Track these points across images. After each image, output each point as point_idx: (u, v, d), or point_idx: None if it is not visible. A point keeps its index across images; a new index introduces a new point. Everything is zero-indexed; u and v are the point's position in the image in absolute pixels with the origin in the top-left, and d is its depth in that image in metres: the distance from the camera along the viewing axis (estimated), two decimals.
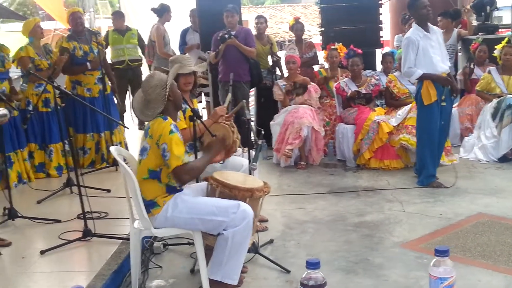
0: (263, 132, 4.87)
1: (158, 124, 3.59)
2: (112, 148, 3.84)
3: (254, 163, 4.07)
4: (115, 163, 6.80)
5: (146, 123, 3.79)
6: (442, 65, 5.87)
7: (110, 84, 7.23)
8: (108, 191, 5.84)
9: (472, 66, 8.04)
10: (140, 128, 9.03)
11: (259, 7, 30.58)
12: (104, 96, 7.00)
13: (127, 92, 9.42)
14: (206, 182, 3.82)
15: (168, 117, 3.63)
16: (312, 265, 1.65)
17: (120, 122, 6.18)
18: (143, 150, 3.65)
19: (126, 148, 6.80)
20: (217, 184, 3.76)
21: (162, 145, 3.51)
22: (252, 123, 4.54)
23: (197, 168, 3.69)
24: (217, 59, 7.38)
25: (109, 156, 7.01)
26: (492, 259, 4.10)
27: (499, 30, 9.63)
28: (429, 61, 5.81)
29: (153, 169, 3.60)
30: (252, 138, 4.48)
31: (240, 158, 4.83)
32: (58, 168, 6.69)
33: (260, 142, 4.16)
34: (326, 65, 8.20)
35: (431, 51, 5.82)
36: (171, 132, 3.53)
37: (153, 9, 9.12)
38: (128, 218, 4.81)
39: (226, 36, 7.16)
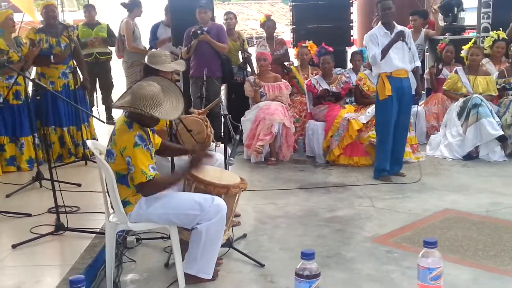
0: (241, 127, 4.90)
1: (123, 134, 3.53)
2: (89, 142, 3.82)
3: (231, 158, 4.10)
4: (84, 157, 6.75)
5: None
6: (398, 62, 6.01)
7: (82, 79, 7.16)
8: (79, 185, 5.79)
9: (440, 66, 8.20)
10: (108, 123, 8.93)
11: (226, 3, 30.49)
12: (69, 91, 6.93)
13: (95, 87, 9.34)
14: (183, 166, 3.81)
15: (134, 126, 3.55)
16: (307, 255, 1.68)
17: (96, 116, 6.10)
18: (109, 153, 3.60)
19: None
20: (192, 180, 3.78)
21: (126, 157, 3.47)
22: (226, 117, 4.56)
23: (161, 185, 3.59)
24: (189, 55, 7.37)
25: (78, 151, 6.94)
26: (460, 254, 4.22)
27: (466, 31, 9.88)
28: (387, 58, 5.96)
29: (122, 173, 3.58)
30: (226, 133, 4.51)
31: (213, 152, 4.85)
32: (29, 161, 6.58)
33: (237, 137, 4.19)
34: (296, 63, 8.27)
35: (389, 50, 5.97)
36: (135, 145, 3.46)
37: (123, 4, 9.04)
38: (100, 213, 4.85)
39: (199, 31, 7.16)
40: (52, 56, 6.82)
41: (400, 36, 5.94)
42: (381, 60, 5.95)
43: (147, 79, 3.74)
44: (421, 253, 1.78)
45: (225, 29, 8.00)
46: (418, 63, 6.32)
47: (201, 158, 3.78)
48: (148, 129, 3.69)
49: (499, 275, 3.87)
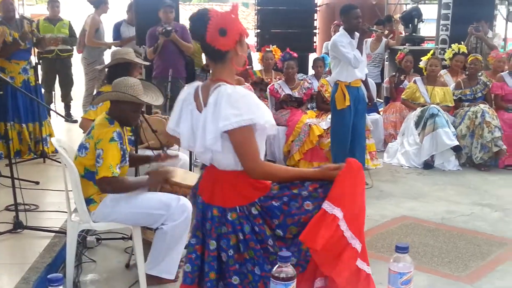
0: None
1: (102, 127, 3.53)
2: (53, 139, 3.78)
3: (197, 160, 4.11)
4: (43, 155, 6.63)
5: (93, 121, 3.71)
6: (358, 72, 6.10)
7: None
8: (37, 183, 5.68)
9: (402, 77, 8.35)
10: (67, 120, 8.79)
11: (187, 4, 30.37)
12: (30, 87, 6.79)
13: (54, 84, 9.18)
14: (148, 177, 3.81)
15: (115, 122, 3.57)
16: (284, 258, 1.72)
17: (59, 112, 5.98)
18: (81, 147, 3.58)
19: None
20: None
21: (98, 150, 3.45)
22: None
23: (123, 186, 3.54)
24: (156, 54, 7.28)
25: (37, 148, 6.82)
26: (416, 260, 4.31)
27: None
28: (349, 67, 6.03)
29: (90, 169, 3.55)
30: None
31: (177, 152, 4.84)
32: None
33: None
34: (259, 67, 8.30)
35: None
36: (111, 139, 3.46)
37: (89, 0, 8.92)
38: (59, 211, 4.79)
39: (169, 29, 7.09)
40: (20, 41, 6.65)
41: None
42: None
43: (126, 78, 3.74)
44: (392, 258, 1.84)
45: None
46: (366, 71, 6.42)
47: (162, 173, 3.77)
48: (125, 135, 3.68)
49: (455, 281, 4.00)
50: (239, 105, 2.27)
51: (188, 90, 2.52)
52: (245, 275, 2.38)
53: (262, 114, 2.33)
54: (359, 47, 5.97)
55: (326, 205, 2.32)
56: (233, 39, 2.36)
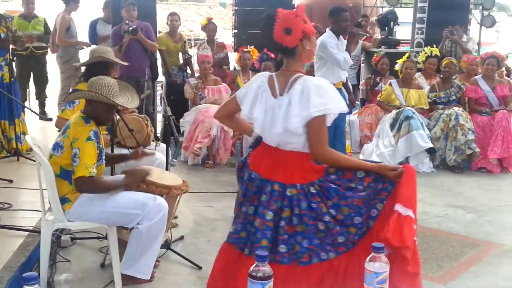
0: (183, 129, 4.89)
1: (78, 126, 3.50)
2: (28, 137, 3.73)
3: (174, 160, 4.10)
4: (16, 153, 6.54)
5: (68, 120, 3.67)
6: (342, 74, 6.14)
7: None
8: (10, 181, 5.60)
9: (378, 79, 8.44)
10: (41, 118, 8.69)
11: (164, 3, 30.17)
12: (3, 84, 6.68)
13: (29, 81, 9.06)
14: (124, 176, 3.78)
15: (91, 121, 3.55)
16: (261, 257, 1.73)
17: (33, 110, 5.88)
18: (56, 146, 3.54)
19: None
20: None
21: (75, 149, 3.41)
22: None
23: (102, 187, 3.52)
24: (121, 53, 7.17)
25: (11, 146, 6.72)
26: None
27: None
28: (336, 68, 6.05)
29: (66, 169, 3.51)
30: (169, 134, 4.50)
31: (153, 151, 4.81)
32: None
33: (180, 139, 4.19)
34: (237, 67, 8.31)
35: None
36: (88, 139, 3.43)
37: None
38: (33, 210, 4.73)
39: (135, 27, 7.02)
40: None
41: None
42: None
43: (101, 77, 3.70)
44: (368, 258, 1.86)
45: (167, 30, 7.93)
46: (346, 74, 6.45)
47: (139, 172, 3.75)
48: (100, 134, 3.66)
49: (428, 281, 4.03)
50: (325, 95, 2.63)
51: (261, 79, 2.83)
52: (293, 246, 2.63)
53: (340, 105, 2.69)
54: (348, 50, 6.01)
55: (400, 208, 2.56)
56: (297, 37, 2.68)
